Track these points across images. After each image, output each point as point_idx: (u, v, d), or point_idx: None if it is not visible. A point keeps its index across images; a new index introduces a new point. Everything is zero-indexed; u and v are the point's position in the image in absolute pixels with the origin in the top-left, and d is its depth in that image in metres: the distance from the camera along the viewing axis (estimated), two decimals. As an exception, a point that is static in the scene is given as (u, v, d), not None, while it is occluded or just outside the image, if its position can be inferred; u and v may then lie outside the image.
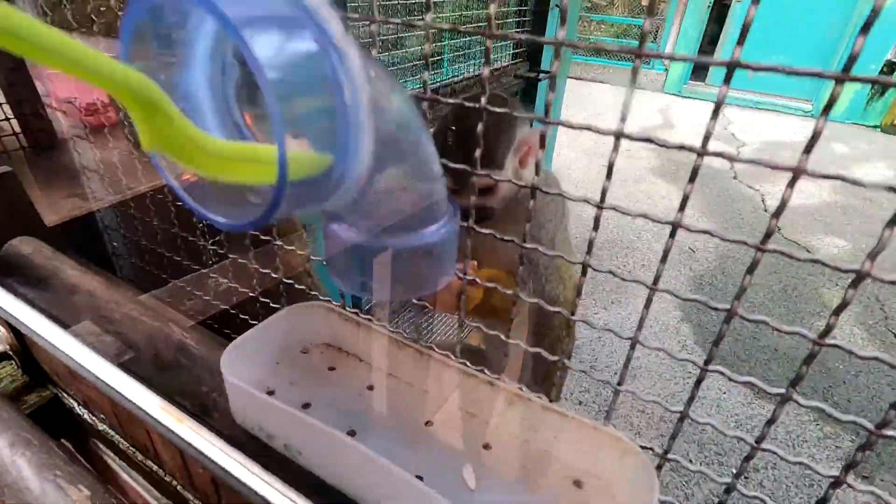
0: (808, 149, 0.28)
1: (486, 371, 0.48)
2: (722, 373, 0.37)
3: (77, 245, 0.97)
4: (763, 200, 4.15)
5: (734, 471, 0.38)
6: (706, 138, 0.31)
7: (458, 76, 2.06)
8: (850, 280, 0.30)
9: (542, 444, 0.46)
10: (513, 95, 2.29)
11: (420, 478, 0.44)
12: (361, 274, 0.34)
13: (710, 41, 7.15)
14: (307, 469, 0.44)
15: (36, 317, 0.58)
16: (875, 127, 6.12)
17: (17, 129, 1.21)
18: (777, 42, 6.29)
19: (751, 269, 0.33)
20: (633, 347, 0.40)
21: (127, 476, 0.70)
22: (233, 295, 0.82)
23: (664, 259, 0.36)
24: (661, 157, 4.96)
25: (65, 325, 0.58)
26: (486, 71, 0.37)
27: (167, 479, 0.58)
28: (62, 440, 0.77)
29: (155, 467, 0.60)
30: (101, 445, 0.74)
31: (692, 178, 0.33)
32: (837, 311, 0.31)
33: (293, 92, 0.19)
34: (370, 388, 0.53)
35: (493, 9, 0.34)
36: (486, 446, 0.47)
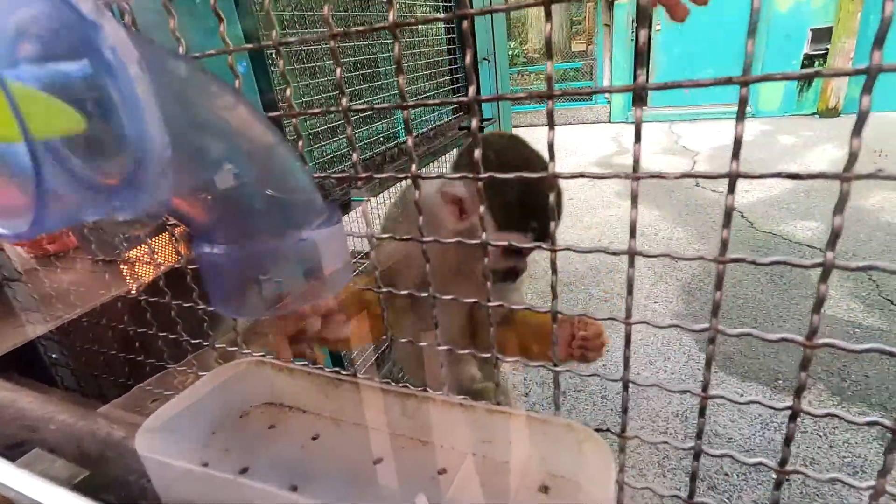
0: (735, 154, 0.28)
1: (428, 389, 0.44)
2: (724, 397, 0.33)
3: (26, 370, 0.92)
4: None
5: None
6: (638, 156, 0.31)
7: (417, 132, 2.14)
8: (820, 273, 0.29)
9: (498, 455, 0.42)
10: (458, 148, 2.37)
11: (369, 522, 0.40)
12: (242, 293, 0.32)
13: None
14: (246, 540, 0.39)
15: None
16: (813, 114, 6.46)
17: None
18: (703, 56, 6.75)
19: (718, 285, 0.32)
20: (626, 389, 0.36)
21: None
22: None
23: (630, 290, 0.33)
24: (624, 182, 5.08)
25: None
26: (409, 140, 0.36)
27: None
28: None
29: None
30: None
31: (634, 203, 0.32)
32: (816, 307, 0.29)
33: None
34: (315, 437, 0.48)
35: (402, 80, 0.34)
36: (442, 471, 0.43)
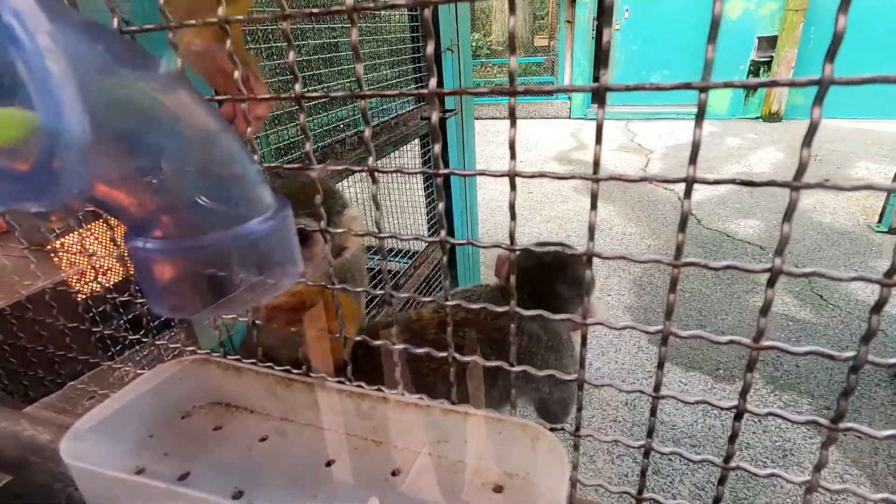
0: (693, 159, 0.28)
1: (382, 388, 0.43)
2: (675, 397, 0.34)
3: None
4: (680, 198, 4.43)
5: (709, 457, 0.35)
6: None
7: (378, 121, 2.09)
8: (766, 279, 0.29)
9: (453, 455, 0.41)
10: (422, 137, 2.35)
11: (319, 527, 0.38)
12: (179, 291, 0.30)
13: (600, 66, 7.81)
14: (185, 551, 0.37)
15: None
16: (757, 118, 6.82)
17: None
18: (660, 55, 6.97)
19: (672, 287, 0.32)
20: (580, 389, 0.36)
21: None
22: None
23: (588, 291, 0.33)
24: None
25: None
26: (367, 132, 0.34)
27: None
28: None
29: None
30: None
31: (593, 204, 0.31)
32: (764, 310, 0.30)
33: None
34: (263, 439, 0.46)
35: (360, 68, 0.32)
36: (395, 472, 0.42)
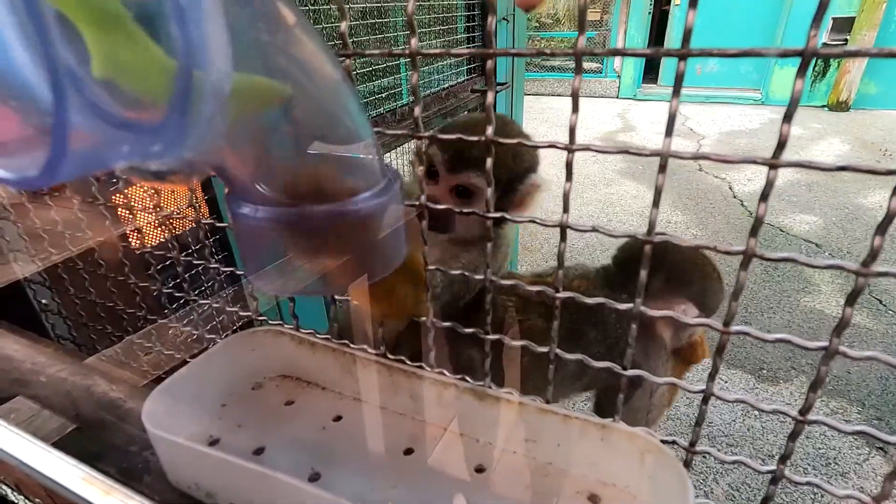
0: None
1: (467, 378, 0.40)
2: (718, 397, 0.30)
3: (12, 313, 0.87)
4: (731, 188, 4.22)
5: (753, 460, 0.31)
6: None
7: (425, 93, 2.03)
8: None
9: (544, 457, 0.38)
10: (473, 110, 2.27)
11: (402, 520, 0.36)
12: (283, 265, 0.27)
13: (655, 44, 7.43)
14: (262, 530, 0.35)
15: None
16: (823, 106, 6.37)
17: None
18: (718, 38, 6.56)
19: (736, 295, 0.27)
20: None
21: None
22: (199, 342, 0.73)
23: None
24: (628, 160, 5.03)
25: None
26: (417, 110, 0.31)
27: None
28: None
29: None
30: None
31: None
32: (837, 330, 0.25)
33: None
34: (337, 419, 0.44)
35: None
36: (480, 469, 0.39)
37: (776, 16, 6.12)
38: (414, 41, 0.30)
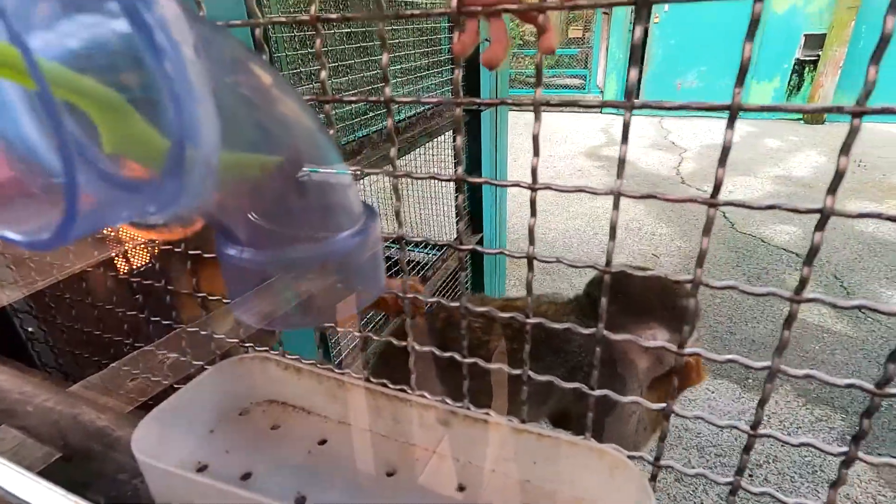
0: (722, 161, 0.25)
1: (446, 400, 0.42)
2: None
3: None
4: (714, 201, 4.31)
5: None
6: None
7: (411, 114, 2.08)
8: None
9: (520, 475, 0.40)
10: (456, 130, 2.31)
11: (385, 540, 0.38)
12: (268, 301, 0.29)
13: (637, 61, 7.64)
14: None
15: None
16: (799, 119, 6.56)
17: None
18: (696, 53, 6.75)
19: (690, 320, 0.30)
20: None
21: None
22: (185, 367, 0.74)
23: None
24: (612, 174, 5.13)
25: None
26: (393, 151, 0.33)
27: None
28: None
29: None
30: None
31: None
32: (779, 351, 0.28)
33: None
34: (322, 442, 0.46)
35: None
36: (461, 488, 0.41)
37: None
38: (388, 90, 0.32)
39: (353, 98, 0.35)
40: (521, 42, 8.75)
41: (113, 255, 0.86)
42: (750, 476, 1.90)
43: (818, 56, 6.17)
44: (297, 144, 0.26)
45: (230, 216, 0.25)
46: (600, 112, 7.65)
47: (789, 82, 6.49)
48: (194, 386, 0.45)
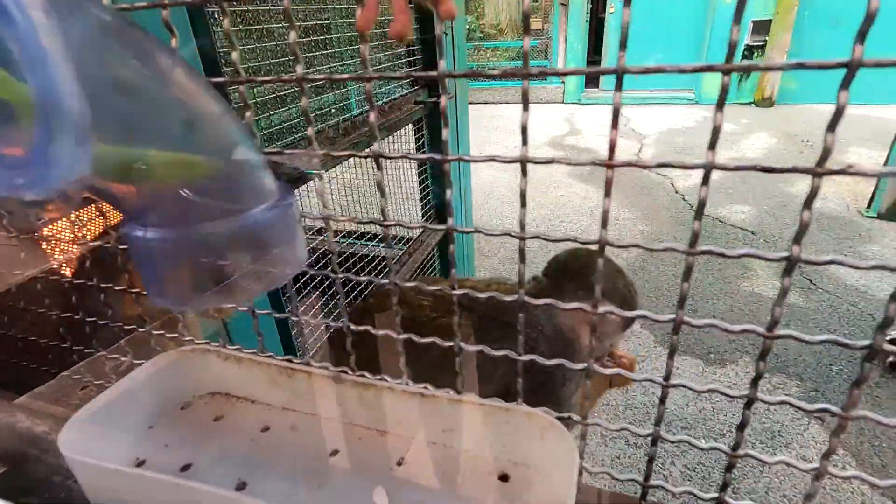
0: (712, 145, 0.27)
1: (385, 378, 0.42)
2: (686, 386, 0.34)
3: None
4: (673, 184, 4.44)
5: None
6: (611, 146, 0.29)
7: (359, 112, 2.07)
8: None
9: (460, 444, 0.41)
10: (415, 122, 2.31)
11: (325, 517, 0.38)
12: (183, 282, 0.29)
13: (594, 51, 7.79)
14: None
15: None
16: (750, 103, 6.82)
17: None
18: (653, 40, 6.92)
19: (686, 276, 0.31)
20: (588, 377, 0.35)
21: None
22: (130, 370, 0.72)
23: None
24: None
25: None
26: (372, 116, 0.33)
27: None
28: None
29: None
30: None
31: (607, 192, 0.30)
32: (779, 300, 0.29)
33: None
34: (265, 429, 0.46)
35: (364, 48, 0.30)
36: (400, 462, 0.41)
37: (703, 18, 6.54)
38: (299, 68, 0.32)
39: (268, 79, 0.35)
40: (482, 35, 8.77)
41: (53, 263, 0.83)
42: (734, 491, 1.98)
43: (765, 41, 6.41)
44: (192, 123, 0.25)
45: (129, 196, 0.25)
46: (563, 103, 7.76)
47: (740, 68, 6.73)
48: (127, 382, 0.44)
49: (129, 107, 0.22)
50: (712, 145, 0.27)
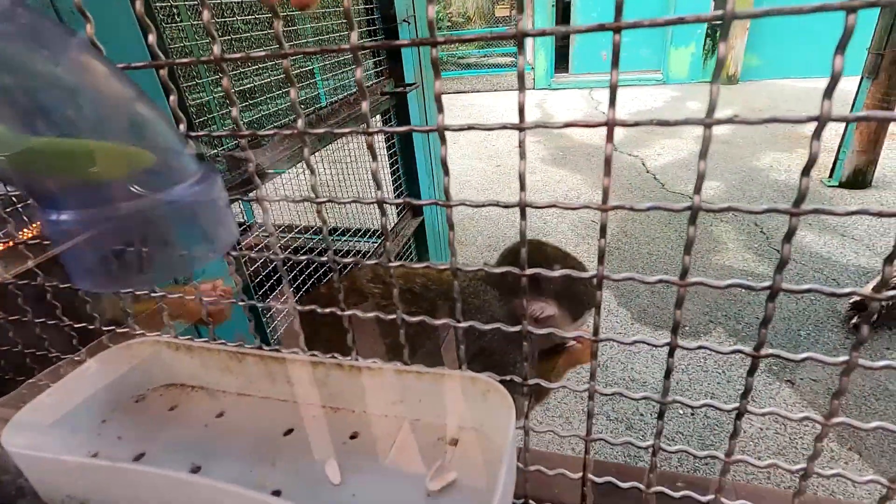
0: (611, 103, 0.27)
1: (336, 355, 0.43)
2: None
3: None
4: (644, 164, 4.51)
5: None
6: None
7: (333, 100, 2.05)
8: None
9: (410, 414, 0.42)
10: (383, 113, 2.30)
11: (278, 493, 0.39)
12: (103, 264, 0.29)
13: (563, 36, 7.81)
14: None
15: None
16: (716, 81, 6.94)
17: None
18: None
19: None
20: (527, 339, 0.36)
21: None
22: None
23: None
24: (549, 147, 5.26)
25: None
26: (364, 106, 0.33)
27: None
28: None
29: None
30: None
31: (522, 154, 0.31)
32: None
33: None
34: (219, 415, 0.46)
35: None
36: (354, 436, 0.42)
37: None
38: (216, 47, 0.32)
39: (186, 60, 0.35)
40: (450, 24, 8.73)
41: (30, 265, 0.80)
42: (693, 415, 2.04)
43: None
44: (98, 105, 0.25)
45: (35, 182, 0.25)
46: (533, 88, 7.79)
47: (704, 46, 6.85)
48: (75, 377, 0.44)
49: (23, 85, 0.22)
50: (611, 103, 0.28)
